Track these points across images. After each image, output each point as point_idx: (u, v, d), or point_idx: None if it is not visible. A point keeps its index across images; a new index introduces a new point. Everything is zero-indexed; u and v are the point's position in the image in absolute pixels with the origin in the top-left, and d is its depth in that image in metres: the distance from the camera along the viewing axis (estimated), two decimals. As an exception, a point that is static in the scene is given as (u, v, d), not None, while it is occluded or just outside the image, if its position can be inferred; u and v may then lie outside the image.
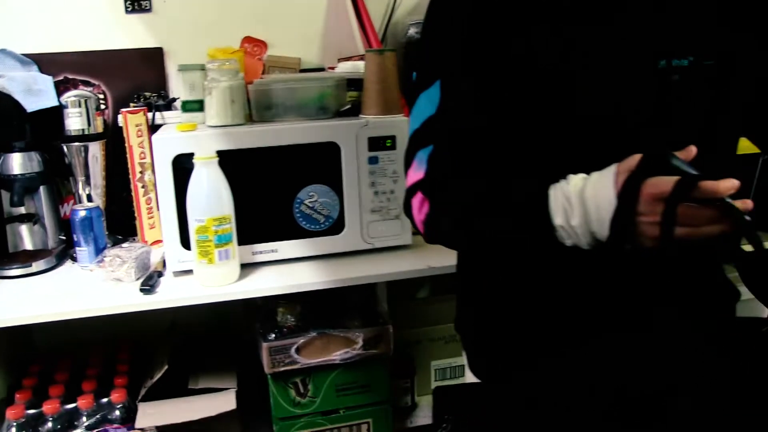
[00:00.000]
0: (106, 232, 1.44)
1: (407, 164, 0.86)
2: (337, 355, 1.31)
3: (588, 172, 0.72)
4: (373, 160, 1.28)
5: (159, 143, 1.20)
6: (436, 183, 0.81)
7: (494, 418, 0.88)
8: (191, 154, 1.17)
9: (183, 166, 1.19)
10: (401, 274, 1.25)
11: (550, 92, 0.78)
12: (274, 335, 1.29)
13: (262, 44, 1.54)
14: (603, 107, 0.78)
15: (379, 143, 1.28)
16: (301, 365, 1.30)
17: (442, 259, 1.26)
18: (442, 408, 0.95)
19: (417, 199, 0.83)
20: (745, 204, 0.63)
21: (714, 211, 0.63)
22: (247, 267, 1.26)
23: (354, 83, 1.38)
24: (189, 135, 1.22)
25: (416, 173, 0.83)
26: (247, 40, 1.52)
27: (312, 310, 1.35)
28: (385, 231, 1.32)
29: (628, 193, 0.66)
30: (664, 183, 0.64)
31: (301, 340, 1.29)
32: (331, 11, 1.56)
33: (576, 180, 0.71)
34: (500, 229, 0.77)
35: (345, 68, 1.44)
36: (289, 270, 1.26)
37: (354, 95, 1.38)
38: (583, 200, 0.69)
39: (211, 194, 1.16)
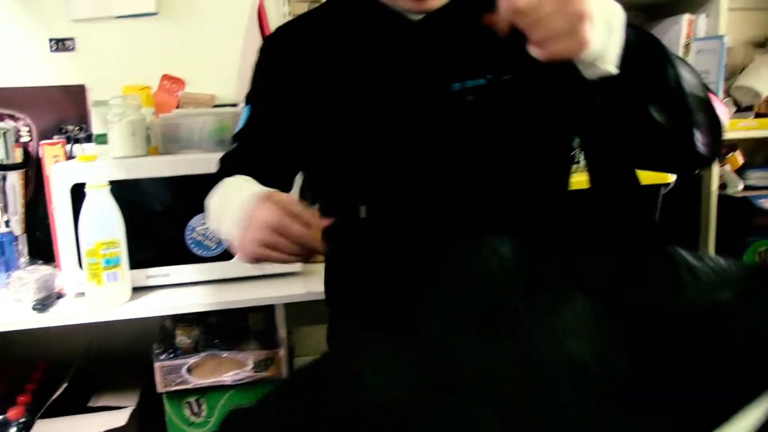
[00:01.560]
0: (27, 257, 1.53)
1: None
2: (228, 377, 1.36)
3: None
4: (262, 190, 1.35)
5: (57, 173, 1.29)
6: (218, 178, 0.96)
7: None
8: (88, 183, 1.25)
9: (82, 195, 1.27)
10: (282, 298, 1.32)
11: (337, 128, 0.88)
12: (166, 355, 1.35)
13: (179, 81, 1.64)
14: (393, 135, 0.85)
15: (268, 174, 1.35)
16: (192, 385, 1.35)
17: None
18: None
19: None
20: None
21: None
22: (140, 290, 1.33)
23: (259, 118, 1.46)
24: (87, 165, 1.31)
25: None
26: (166, 77, 1.62)
27: (211, 332, 1.41)
28: (275, 257, 1.38)
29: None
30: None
31: (192, 361, 1.35)
32: (248, 49, 1.64)
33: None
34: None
35: (250, 104, 1.53)
36: (178, 293, 1.33)
37: (259, 129, 1.46)
38: (212, 211, 0.89)
39: (101, 220, 1.24)
